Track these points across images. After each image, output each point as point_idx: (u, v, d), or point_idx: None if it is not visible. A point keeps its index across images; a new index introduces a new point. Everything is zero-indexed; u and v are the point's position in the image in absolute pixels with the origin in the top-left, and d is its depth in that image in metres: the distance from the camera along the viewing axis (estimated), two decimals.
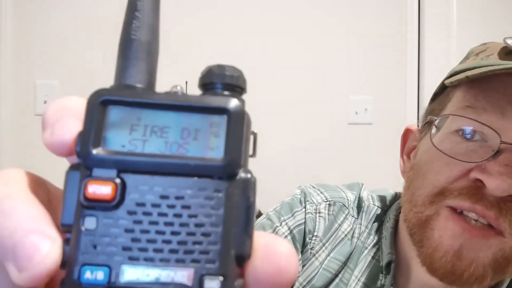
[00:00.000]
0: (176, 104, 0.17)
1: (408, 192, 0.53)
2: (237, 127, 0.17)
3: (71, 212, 0.16)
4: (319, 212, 0.62)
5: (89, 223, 0.16)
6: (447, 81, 0.52)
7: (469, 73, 0.47)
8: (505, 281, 0.53)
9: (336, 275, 0.59)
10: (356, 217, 0.62)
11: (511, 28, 1.73)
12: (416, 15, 1.73)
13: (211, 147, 0.17)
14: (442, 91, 0.55)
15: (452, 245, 0.46)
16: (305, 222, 0.61)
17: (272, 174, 1.50)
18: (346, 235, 0.60)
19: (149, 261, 0.16)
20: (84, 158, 0.17)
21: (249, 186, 0.17)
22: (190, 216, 0.16)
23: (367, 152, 1.68)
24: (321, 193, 0.64)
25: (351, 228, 0.61)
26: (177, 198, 0.17)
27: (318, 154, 1.64)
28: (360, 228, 0.61)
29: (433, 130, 0.51)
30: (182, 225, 0.16)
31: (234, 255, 0.16)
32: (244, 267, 0.17)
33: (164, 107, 0.17)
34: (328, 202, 0.63)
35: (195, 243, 0.16)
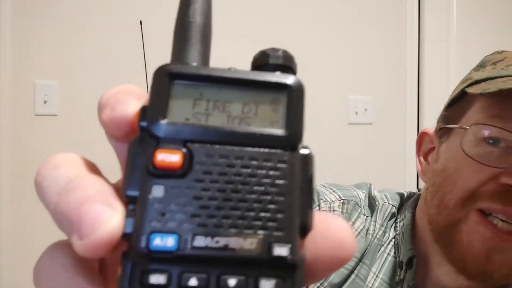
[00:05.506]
0: (238, 79, 0.18)
1: (436, 196, 0.55)
2: (297, 102, 0.18)
3: (136, 183, 0.17)
4: (334, 210, 0.63)
5: (157, 191, 0.16)
6: (472, 90, 0.54)
7: (501, 86, 0.50)
8: None
9: (352, 272, 0.60)
10: (368, 215, 0.64)
11: (510, 28, 1.73)
12: (416, 15, 1.73)
13: (272, 121, 0.17)
14: (461, 98, 0.57)
15: (481, 249, 0.50)
16: None
17: None
18: (359, 232, 0.62)
19: (218, 228, 0.16)
20: (153, 128, 0.17)
21: (309, 159, 0.18)
22: (256, 184, 0.17)
23: (367, 152, 1.68)
24: (333, 191, 0.65)
25: (364, 226, 0.63)
26: (244, 167, 0.17)
27: (318, 154, 1.64)
28: (375, 226, 0.63)
29: (456, 135, 0.54)
30: (249, 192, 0.17)
31: (299, 225, 0.17)
32: (303, 241, 0.17)
33: (226, 81, 0.18)
34: (342, 201, 0.64)
35: (262, 210, 0.16)
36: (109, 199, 0.16)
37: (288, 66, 0.18)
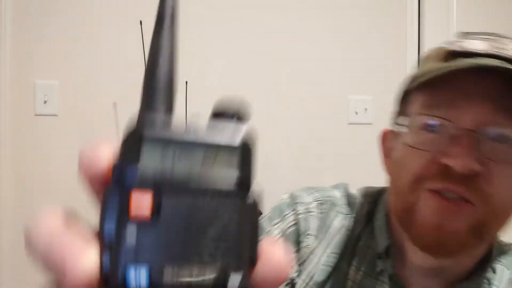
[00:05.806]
0: (198, 142, 0.21)
1: (392, 185, 0.61)
2: (247, 158, 0.22)
3: (111, 228, 0.20)
4: (310, 212, 0.67)
5: (130, 235, 0.19)
6: (407, 87, 0.63)
7: (420, 79, 0.59)
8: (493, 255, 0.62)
9: (333, 268, 0.63)
10: (346, 213, 0.68)
11: (510, 27, 1.73)
12: (416, 15, 1.74)
13: (226, 176, 0.21)
14: (404, 94, 0.65)
15: (433, 220, 0.54)
16: (297, 223, 0.67)
17: (272, 174, 1.50)
18: (338, 231, 0.66)
19: (185, 260, 0.20)
20: (125, 180, 0.20)
21: (255, 206, 0.22)
22: (214, 225, 0.21)
23: (367, 152, 1.68)
24: (311, 193, 0.69)
25: (342, 225, 0.66)
26: (203, 213, 0.21)
27: (318, 154, 1.64)
28: (354, 222, 0.66)
29: (403, 129, 0.60)
30: (209, 232, 0.20)
31: (248, 258, 0.21)
32: (253, 270, 0.21)
33: (189, 144, 0.21)
34: (319, 201, 0.68)
35: (220, 247, 0.20)
36: (85, 246, 0.20)
37: (241, 117, 0.22)
